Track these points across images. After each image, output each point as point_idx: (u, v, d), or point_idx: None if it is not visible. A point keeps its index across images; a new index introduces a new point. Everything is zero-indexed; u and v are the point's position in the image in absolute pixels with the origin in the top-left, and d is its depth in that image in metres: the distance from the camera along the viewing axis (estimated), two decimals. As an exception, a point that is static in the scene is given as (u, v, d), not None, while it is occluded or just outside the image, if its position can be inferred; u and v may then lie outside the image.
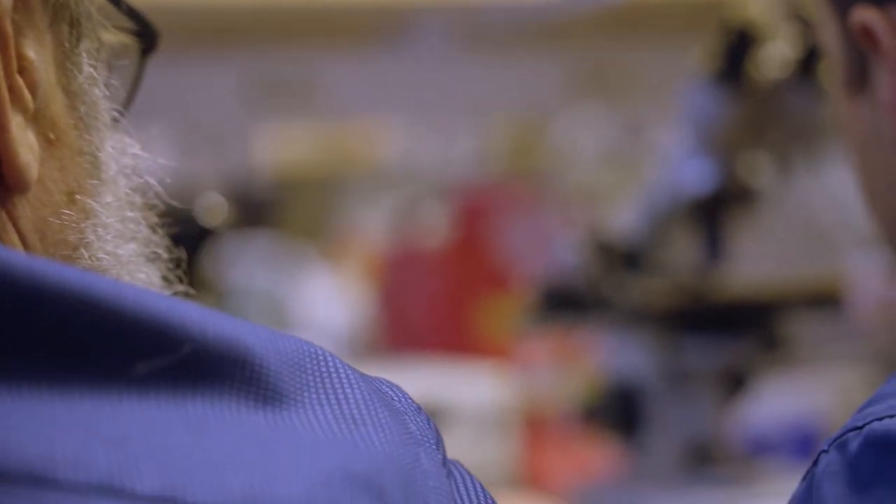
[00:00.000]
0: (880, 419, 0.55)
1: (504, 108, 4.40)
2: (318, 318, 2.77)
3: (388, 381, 0.51)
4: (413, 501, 0.46)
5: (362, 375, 0.49)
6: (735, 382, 1.34)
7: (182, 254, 1.02)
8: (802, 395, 1.64)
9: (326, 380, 0.47)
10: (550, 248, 1.28)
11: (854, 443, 0.56)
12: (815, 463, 0.57)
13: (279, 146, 4.22)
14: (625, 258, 1.30)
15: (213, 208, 1.06)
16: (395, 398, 0.50)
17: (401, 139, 4.20)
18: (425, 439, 0.48)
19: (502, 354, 1.71)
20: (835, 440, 0.57)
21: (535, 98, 4.38)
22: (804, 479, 0.58)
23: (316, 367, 0.47)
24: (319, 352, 0.48)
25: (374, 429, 0.47)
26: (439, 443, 0.49)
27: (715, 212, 1.29)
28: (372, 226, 3.51)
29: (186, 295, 0.54)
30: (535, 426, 1.67)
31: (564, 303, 1.26)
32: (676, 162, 1.31)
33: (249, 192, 3.48)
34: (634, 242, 1.32)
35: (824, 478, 0.56)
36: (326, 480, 0.45)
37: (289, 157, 4.15)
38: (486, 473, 1.53)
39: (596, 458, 1.59)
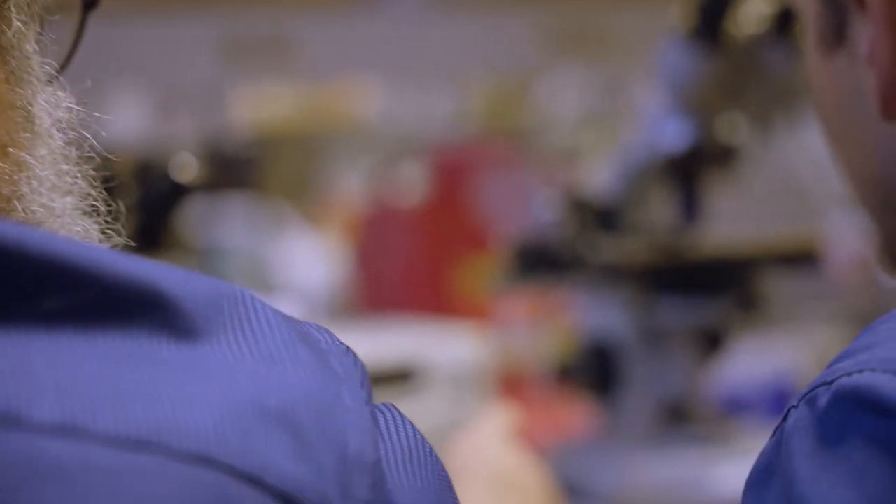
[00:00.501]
0: (849, 374, 0.55)
1: (483, 68, 4.38)
2: (297, 279, 2.76)
3: (317, 325, 0.51)
4: (330, 436, 0.46)
5: (285, 316, 0.49)
6: (711, 341, 1.34)
7: (153, 210, 1.01)
8: (779, 353, 1.64)
9: (244, 319, 0.48)
10: (528, 207, 1.28)
11: (823, 398, 0.55)
12: (785, 418, 0.57)
13: (257, 106, 4.20)
14: (601, 217, 1.30)
15: (186, 165, 1.05)
16: (321, 339, 0.50)
17: (379, 99, 4.18)
18: (349, 378, 0.48)
19: (479, 313, 1.71)
20: (804, 396, 0.57)
21: (513, 57, 4.37)
22: (774, 434, 0.57)
23: (234, 307, 0.47)
24: (239, 292, 0.48)
25: (291, 365, 0.48)
26: (364, 383, 0.49)
27: (691, 170, 1.29)
28: (351, 185, 3.50)
29: (126, 248, 0.54)
30: (511, 385, 1.67)
31: (541, 261, 1.26)
32: (653, 121, 1.31)
33: (227, 152, 3.47)
34: (611, 201, 1.31)
35: (793, 433, 0.56)
36: (237, 413, 0.45)
37: (266, 116, 4.13)
38: (461, 428, 1.52)
39: (572, 416, 1.60)
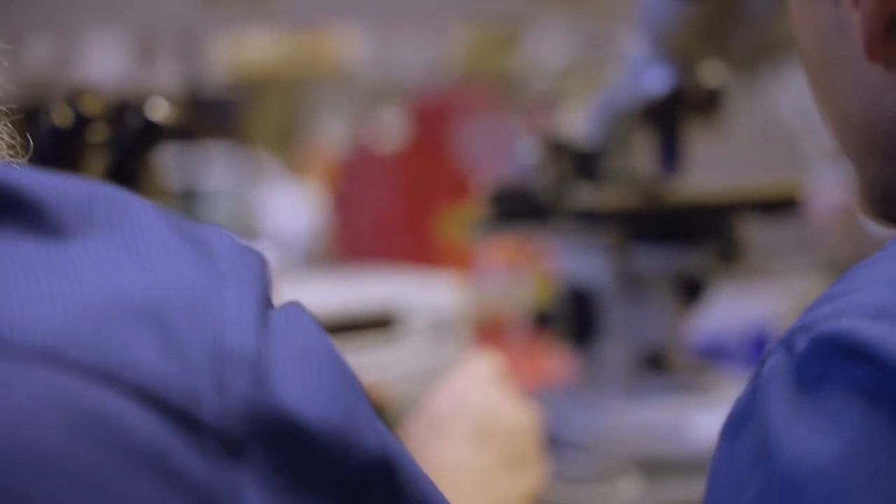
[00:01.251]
0: (828, 320, 0.54)
1: (468, 14, 4.35)
2: (277, 225, 2.75)
3: (220, 230, 0.49)
4: (203, 332, 0.45)
5: (170, 219, 0.47)
6: (691, 289, 1.34)
7: (125, 149, 0.99)
8: (759, 302, 1.64)
9: (120, 220, 0.46)
10: (508, 153, 1.26)
11: (801, 344, 0.54)
12: (762, 364, 0.56)
13: (237, 51, 4.16)
14: (581, 163, 1.29)
15: (161, 105, 1.04)
16: (213, 241, 0.48)
17: (362, 44, 4.15)
18: (237, 276, 0.47)
19: (458, 259, 1.70)
20: (782, 342, 0.56)
21: (497, 4, 4.33)
22: (751, 380, 0.56)
23: (109, 209, 0.46)
24: (118, 196, 0.47)
25: (165, 263, 0.46)
26: (259, 283, 0.48)
27: (673, 117, 1.27)
28: (332, 131, 3.48)
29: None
30: (490, 332, 1.67)
31: (520, 208, 1.25)
32: (635, 67, 1.30)
33: (207, 98, 3.44)
34: (591, 147, 1.30)
35: (769, 380, 0.55)
36: (94, 308, 0.43)
37: (247, 62, 4.10)
38: (440, 376, 1.52)
39: (550, 363, 1.59)
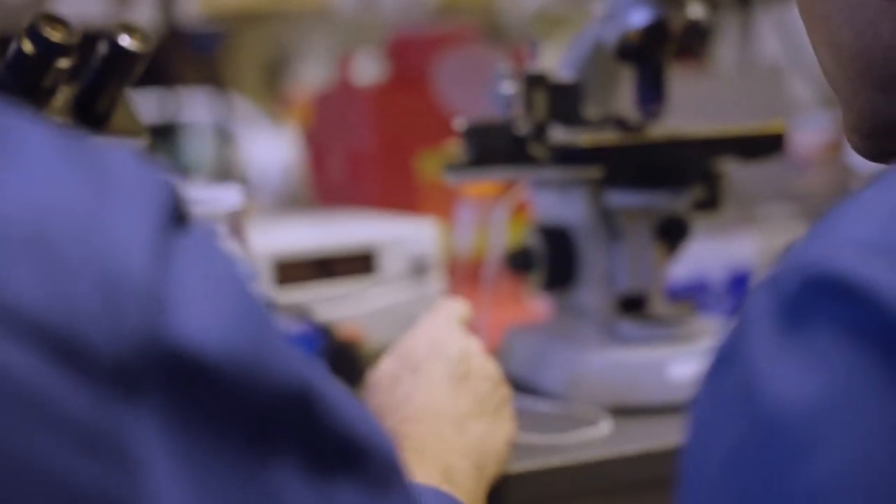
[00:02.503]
0: (817, 259, 0.52)
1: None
2: (255, 165, 2.72)
3: (123, 152, 0.46)
4: (89, 256, 0.42)
5: (66, 140, 0.44)
6: (671, 229, 1.31)
7: (97, 78, 0.95)
8: (740, 244, 1.62)
9: (2, 141, 0.43)
10: (488, 90, 1.24)
11: (789, 284, 0.52)
12: (747, 304, 0.54)
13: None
14: (562, 100, 1.26)
15: (134, 36, 1.00)
16: (114, 163, 0.45)
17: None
18: (133, 200, 0.44)
19: (437, 200, 1.67)
20: (768, 281, 0.53)
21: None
22: (734, 321, 0.54)
23: None
24: (2, 117, 0.44)
25: (47, 183, 0.43)
26: (158, 206, 0.44)
27: (655, 51, 1.25)
28: (313, 71, 3.44)
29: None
30: (467, 274, 1.64)
31: (499, 145, 1.22)
32: (617, 2, 1.26)
33: (185, 35, 3.39)
34: (572, 84, 1.27)
35: (755, 320, 0.52)
36: None
37: (226, 0, 4.04)
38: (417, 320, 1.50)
39: (528, 305, 1.57)
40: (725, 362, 0.53)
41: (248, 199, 2.22)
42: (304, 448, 0.47)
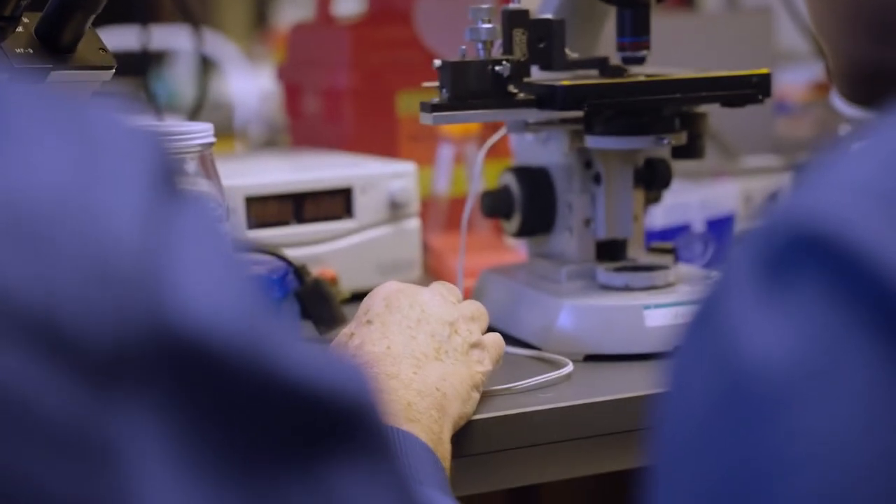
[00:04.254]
0: (806, 213, 0.49)
1: None
2: (235, 105, 2.69)
3: (108, 114, 0.42)
4: (73, 234, 0.38)
5: (49, 102, 0.41)
6: (652, 176, 1.29)
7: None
8: (722, 192, 1.60)
9: None
10: (469, 28, 1.21)
11: (775, 238, 0.49)
12: (729, 257, 0.51)
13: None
14: (542, 41, 1.23)
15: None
16: (100, 127, 0.41)
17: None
18: (123, 169, 0.41)
19: (415, 141, 1.65)
20: (754, 233, 0.51)
21: None
22: (715, 275, 0.52)
23: None
24: None
25: (29, 155, 0.40)
26: (149, 173, 0.41)
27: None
28: (299, 9, 3.40)
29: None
30: (445, 216, 1.62)
31: (479, 85, 1.20)
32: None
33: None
34: (553, 24, 1.24)
35: (737, 275, 0.50)
36: None
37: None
38: (395, 262, 1.48)
39: (506, 250, 1.55)
40: (704, 318, 0.51)
41: (235, 132, 2.18)
42: (306, 444, 0.44)
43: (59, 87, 0.42)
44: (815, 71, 2.28)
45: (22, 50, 1.00)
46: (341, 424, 0.46)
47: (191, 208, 0.43)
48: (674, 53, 1.35)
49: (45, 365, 0.37)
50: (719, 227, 1.56)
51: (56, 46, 1.04)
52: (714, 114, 1.28)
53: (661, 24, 1.28)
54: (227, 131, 2.54)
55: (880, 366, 0.45)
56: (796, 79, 2.37)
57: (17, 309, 0.36)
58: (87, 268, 0.38)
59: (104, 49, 1.12)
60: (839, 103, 1.79)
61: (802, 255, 0.47)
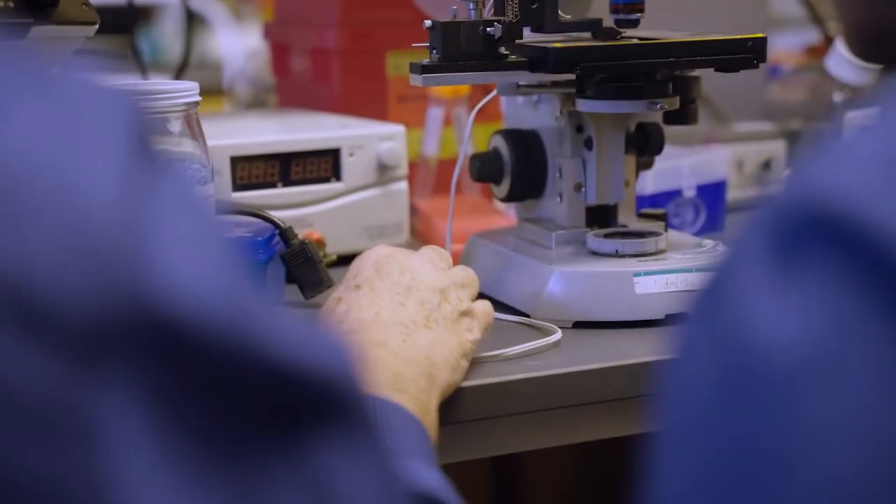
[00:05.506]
0: (822, 190, 0.46)
1: None
2: (223, 65, 2.66)
3: (86, 80, 0.40)
4: (45, 194, 0.37)
5: (22, 66, 0.39)
6: (644, 141, 1.27)
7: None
8: (715, 157, 1.58)
9: None
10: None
11: (789, 217, 0.46)
12: (739, 235, 0.49)
13: None
14: (535, 2, 1.21)
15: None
16: (84, 97, 0.39)
17: None
18: (103, 133, 0.39)
19: (405, 102, 1.63)
20: (766, 210, 0.48)
21: None
22: (725, 253, 0.49)
23: None
24: None
25: (5, 124, 0.38)
26: (127, 139, 0.40)
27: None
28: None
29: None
30: (431, 177, 1.60)
31: (469, 48, 1.18)
32: None
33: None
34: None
35: (747, 255, 0.47)
36: None
37: None
38: (382, 225, 1.47)
39: (494, 215, 1.53)
40: (711, 301, 0.49)
41: (223, 91, 2.15)
42: (288, 422, 0.43)
43: (33, 48, 0.40)
44: (808, 35, 2.26)
45: (1, 4, 0.98)
46: (323, 402, 0.45)
47: (170, 176, 0.41)
48: (667, 16, 1.33)
49: (20, 340, 0.35)
50: (710, 192, 1.55)
51: (37, 1, 1.01)
52: (705, 78, 1.26)
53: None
54: (215, 90, 2.52)
55: (895, 353, 0.43)
56: (789, 43, 2.35)
57: None
58: (64, 240, 0.36)
59: (87, 4, 1.10)
60: (833, 67, 1.77)
61: (816, 234, 0.44)
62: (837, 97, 1.75)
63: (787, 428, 0.44)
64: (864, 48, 0.63)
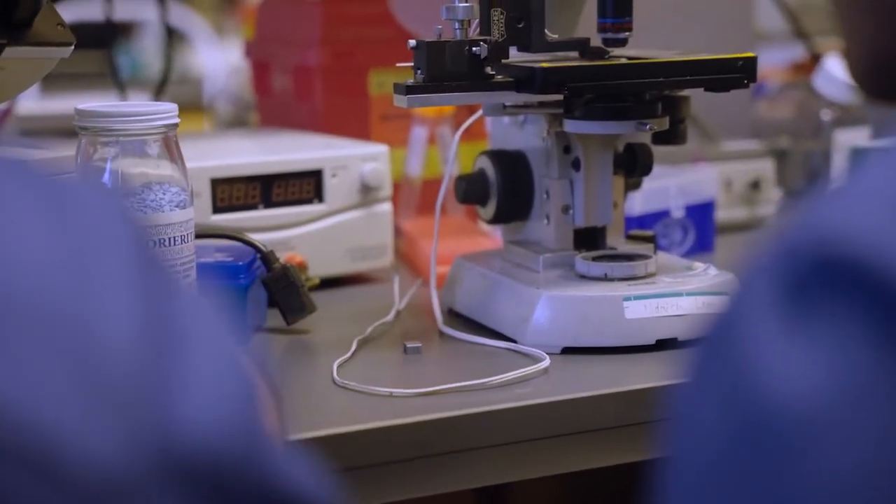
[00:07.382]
0: (835, 231, 0.44)
1: None
2: (205, 84, 2.64)
3: (93, 196, 0.38)
4: (65, 341, 0.34)
5: (36, 180, 0.37)
6: (632, 162, 1.25)
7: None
8: (703, 177, 1.56)
9: None
10: (443, 9, 1.16)
11: (798, 260, 0.44)
12: (745, 279, 0.46)
13: None
14: (521, 21, 1.19)
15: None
16: (86, 202, 0.37)
17: None
18: (117, 255, 0.36)
19: (388, 122, 1.60)
20: (774, 253, 0.45)
21: None
22: (730, 299, 0.47)
23: None
24: None
25: (19, 249, 0.36)
26: (139, 258, 0.37)
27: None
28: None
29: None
30: (416, 198, 1.58)
31: (454, 68, 1.15)
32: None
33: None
34: (531, 4, 1.20)
35: (755, 300, 0.44)
36: None
37: None
38: (366, 248, 1.45)
39: (480, 236, 1.51)
40: (717, 348, 0.46)
41: (203, 108, 2.12)
42: None
43: (33, 163, 0.39)
44: (792, 51, 2.24)
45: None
46: None
47: (183, 299, 0.39)
48: (652, 33, 1.31)
49: (33, 491, 0.33)
50: (699, 212, 1.52)
51: (10, 22, 0.99)
52: (692, 96, 1.24)
53: (642, 3, 1.24)
54: (195, 106, 2.49)
55: None
56: (774, 59, 2.33)
57: (12, 425, 0.32)
58: (88, 384, 0.34)
59: (62, 24, 1.07)
60: (821, 85, 1.75)
61: (827, 279, 0.42)
62: (825, 115, 1.74)
63: (800, 490, 0.42)
64: (872, 82, 0.61)
